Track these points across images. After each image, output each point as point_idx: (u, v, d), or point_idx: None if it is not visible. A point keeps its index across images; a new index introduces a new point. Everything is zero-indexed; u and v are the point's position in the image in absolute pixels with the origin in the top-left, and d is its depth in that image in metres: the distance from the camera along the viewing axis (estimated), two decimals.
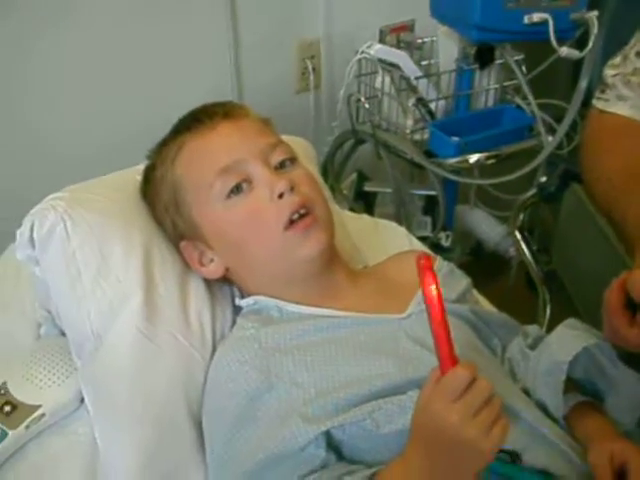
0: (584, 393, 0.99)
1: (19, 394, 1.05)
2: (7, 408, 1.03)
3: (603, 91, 1.21)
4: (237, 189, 1.01)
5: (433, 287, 0.76)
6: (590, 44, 1.60)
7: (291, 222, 0.99)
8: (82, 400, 1.07)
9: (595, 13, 1.63)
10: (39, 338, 1.17)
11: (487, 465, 0.77)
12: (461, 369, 0.75)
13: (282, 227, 0.99)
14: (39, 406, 1.04)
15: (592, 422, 0.96)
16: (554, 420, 0.95)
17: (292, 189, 1.00)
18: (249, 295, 1.08)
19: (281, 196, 0.99)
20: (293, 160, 1.07)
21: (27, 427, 1.02)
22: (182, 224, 1.07)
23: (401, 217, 1.94)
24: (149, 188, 1.11)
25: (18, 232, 1.05)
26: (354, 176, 2.12)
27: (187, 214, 1.06)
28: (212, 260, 1.07)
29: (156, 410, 1.00)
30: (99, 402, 1.03)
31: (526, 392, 1.00)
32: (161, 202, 1.08)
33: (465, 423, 0.74)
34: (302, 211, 1.00)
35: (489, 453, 0.75)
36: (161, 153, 1.09)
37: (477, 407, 0.74)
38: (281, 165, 1.05)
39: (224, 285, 1.13)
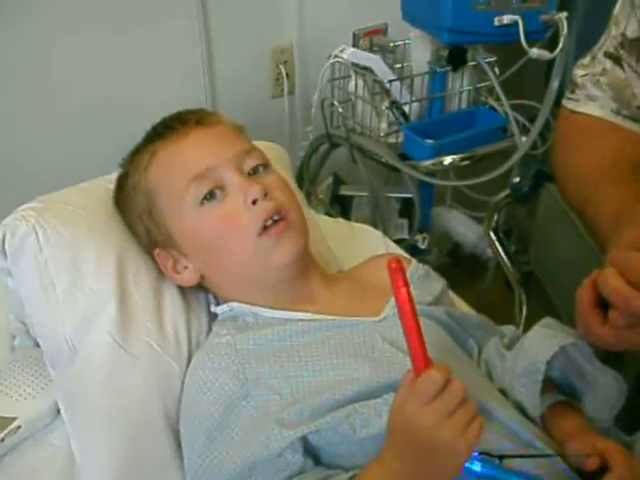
0: (561, 392, 0.99)
1: None
2: None
3: (573, 91, 1.22)
4: (210, 196, 1.01)
5: (404, 290, 0.77)
6: (560, 45, 1.61)
7: (265, 228, 0.99)
8: (58, 412, 1.07)
9: (564, 14, 1.64)
10: (13, 350, 1.17)
11: (473, 468, 0.78)
12: (434, 371, 0.76)
13: (256, 233, 0.99)
14: (14, 418, 1.04)
15: (570, 421, 0.97)
16: (531, 420, 0.95)
17: (266, 195, 1.00)
18: (224, 302, 1.08)
19: (254, 202, 0.99)
20: (266, 166, 1.07)
21: (2, 440, 1.02)
22: (156, 232, 1.06)
23: (377, 220, 1.94)
24: (122, 196, 1.10)
25: None
26: (330, 180, 2.12)
27: (161, 222, 1.05)
28: (186, 267, 1.07)
29: (132, 419, 1.00)
30: (74, 412, 1.02)
31: (503, 392, 1.00)
32: (135, 210, 1.08)
33: (439, 425, 0.75)
34: (276, 217, 1.00)
35: (465, 453, 0.76)
36: (134, 161, 1.09)
37: (451, 408, 0.75)
38: (254, 171, 1.05)
39: (199, 292, 1.13)
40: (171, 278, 1.08)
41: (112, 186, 1.14)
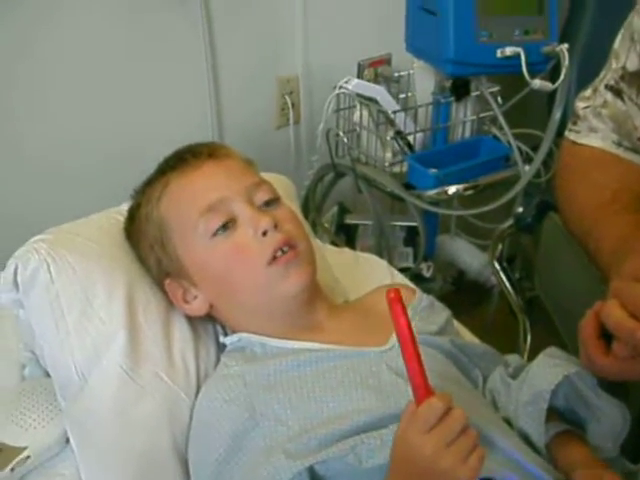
0: (565, 421, 0.99)
1: (4, 436, 1.05)
2: None
3: (575, 123, 1.23)
4: (223, 228, 1.02)
5: (403, 319, 0.78)
6: (562, 76, 1.63)
7: (274, 258, 1.01)
8: (67, 441, 1.07)
9: (565, 46, 1.66)
10: (23, 379, 1.17)
11: None
12: (435, 400, 0.77)
13: (265, 262, 1.00)
14: (24, 448, 1.04)
15: (576, 451, 0.97)
16: (536, 450, 0.95)
17: (275, 227, 1.02)
18: (233, 332, 1.09)
19: (265, 234, 1.01)
20: (276, 200, 1.08)
21: (12, 469, 1.02)
22: (167, 262, 1.08)
23: (382, 249, 1.95)
24: (134, 227, 1.12)
25: (1, 275, 1.06)
26: (335, 209, 2.13)
27: (172, 252, 1.06)
28: (196, 297, 1.08)
29: (141, 450, 1.01)
30: (84, 442, 1.03)
31: (508, 422, 1.00)
32: (146, 240, 1.09)
33: (440, 453, 0.76)
34: (285, 248, 1.02)
35: None
36: (146, 192, 1.10)
37: (452, 437, 0.76)
38: (266, 204, 1.06)
39: (207, 323, 1.14)
40: (180, 308, 1.09)
41: (122, 217, 1.16)
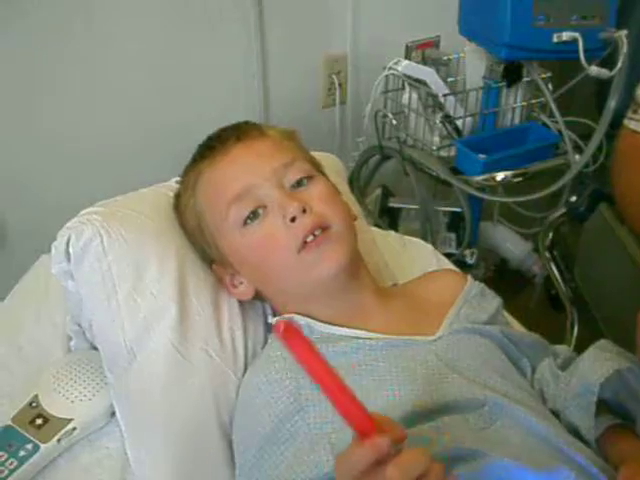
0: (614, 415, 0.97)
1: (51, 407, 1.06)
2: (39, 421, 1.04)
3: (636, 111, 1.21)
4: (253, 215, 1.01)
5: (303, 349, 0.64)
6: (619, 63, 1.59)
7: (305, 244, 0.98)
8: (112, 414, 1.08)
9: (624, 32, 1.62)
10: (69, 351, 1.18)
11: None
12: (362, 447, 0.65)
13: (295, 250, 0.98)
14: (70, 420, 1.05)
15: (626, 444, 0.94)
16: (585, 443, 0.93)
17: (304, 211, 0.98)
18: (281, 313, 1.08)
19: (293, 219, 0.98)
20: (311, 177, 1.05)
21: (59, 441, 1.03)
22: (209, 250, 1.08)
23: (426, 234, 1.93)
24: (178, 214, 1.12)
25: (53, 245, 1.06)
26: (378, 192, 2.12)
27: (211, 241, 1.06)
28: (242, 282, 1.08)
29: (188, 426, 1.01)
30: (131, 417, 1.04)
31: (555, 413, 0.99)
32: (188, 228, 1.10)
33: None
34: (317, 232, 0.98)
35: None
36: (184, 181, 1.11)
37: None
38: (298, 183, 1.03)
39: (256, 302, 1.13)
40: (229, 292, 1.09)
41: (170, 192, 1.16)
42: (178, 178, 1.15)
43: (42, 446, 1.01)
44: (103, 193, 1.15)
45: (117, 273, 1.04)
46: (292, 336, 0.64)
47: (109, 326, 1.04)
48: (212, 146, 1.07)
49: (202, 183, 1.06)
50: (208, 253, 1.08)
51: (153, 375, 1.01)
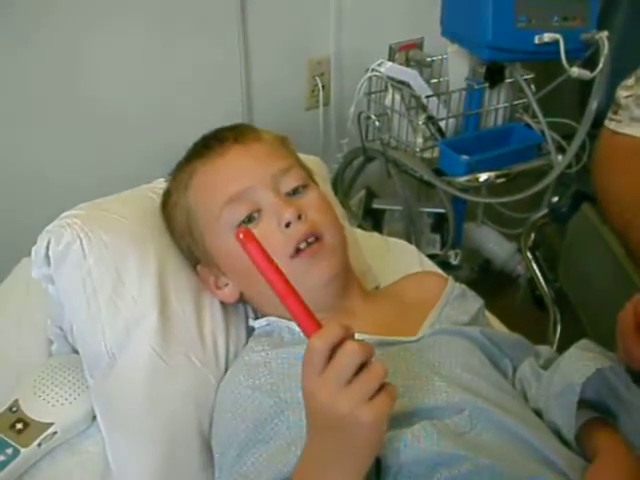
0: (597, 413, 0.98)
1: (31, 412, 1.05)
2: (19, 426, 1.03)
3: (616, 112, 1.21)
4: (248, 219, 1.01)
5: (252, 244, 0.74)
6: (601, 64, 1.60)
7: (298, 250, 0.99)
8: (94, 418, 1.07)
9: (605, 33, 1.63)
10: (50, 355, 1.17)
11: None
12: (318, 335, 0.70)
13: (288, 255, 0.98)
14: (51, 424, 1.04)
15: (603, 438, 0.93)
16: (566, 442, 0.93)
17: (299, 217, 0.99)
18: (264, 315, 1.08)
19: (288, 225, 0.98)
20: (306, 186, 1.06)
21: (39, 445, 1.02)
22: (196, 250, 1.07)
23: (410, 235, 1.94)
24: (166, 213, 1.11)
25: (33, 249, 1.05)
26: (362, 193, 2.12)
27: (200, 241, 1.06)
28: (227, 285, 1.08)
29: (168, 430, 1.00)
30: (111, 421, 1.03)
31: (537, 413, 0.99)
32: (176, 227, 1.09)
33: (335, 396, 0.69)
34: (310, 239, 0.99)
35: (370, 423, 0.70)
36: (175, 179, 1.10)
37: (346, 375, 0.69)
38: (294, 191, 1.04)
39: (239, 305, 1.13)
40: (213, 293, 1.09)
41: (153, 195, 1.16)
42: (161, 180, 1.15)
43: (22, 450, 1.00)
44: (85, 195, 1.14)
45: (97, 277, 1.03)
46: (250, 241, 0.73)
47: (90, 330, 1.03)
48: (209, 145, 1.07)
49: (196, 181, 1.06)
50: (194, 253, 1.08)
51: (133, 380, 1.01)
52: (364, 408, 0.69)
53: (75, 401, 1.07)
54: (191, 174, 1.06)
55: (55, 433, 1.04)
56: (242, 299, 1.10)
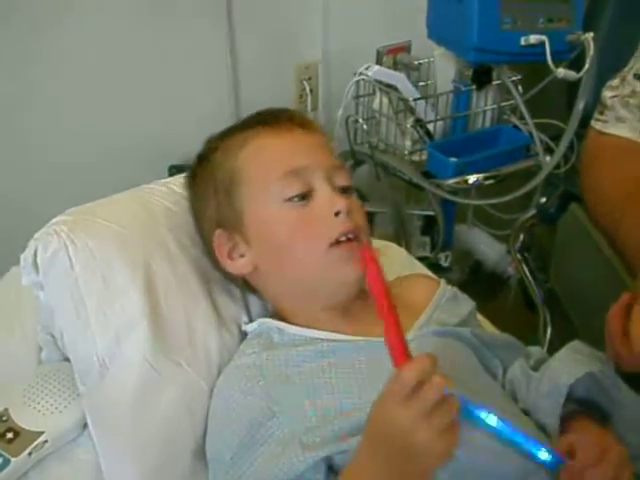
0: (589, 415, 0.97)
1: (21, 420, 1.04)
2: (9, 435, 1.02)
3: (602, 112, 1.22)
4: (302, 197, 1.02)
5: (375, 269, 0.76)
6: (587, 65, 1.61)
7: (338, 242, 1.00)
8: (84, 426, 1.07)
9: (591, 35, 1.64)
10: (40, 363, 1.17)
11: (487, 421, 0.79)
12: (410, 366, 0.72)
13: (329, 242, 1.00)
14: (42, 432, 1.03)
15: (586, 431, 0.94)
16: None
17: (348, 213, 1.01)
18: (270, 305, 1.11)
19: (337, 214, 1.00)
20: (351, 188, 1.08)
21: (30, 454, 1.01)
22: (227, 211, 1.06)
23: (400, 238, 1.94)
24: (201, 168, 1.11)
25: (22, 257, 1.04)
26: None
27: (237, 203, 1.05)
28: (243, 256, 1.07)
29: (160, 439, 1.00)
30: (103, 430, 1.02)
31: (527, 413, 0.99)
32: (212, 184, 1.08)
33: (416, 425, 0.72)
34: (351, 235, 1.00)
35: (444, 455, 0.73)
36: (227, 139, 1.10)
37: (429, 407, 0.71)
38: (344, 190, 1.05)
39: (232, 308, 1.13)
40: (222, 263, 1.08)
41: (143, 198, 1.16)
42: (152, 184, 1.16)
43: (13, 460, 0.99)
44: (73, 200, 1.13)
45: (85, 285, 1.02)
46: (374, 262, 0.77)
47: (80, 338, 1.02)
48: (278, 117, 1.09)
49: (256, 145, 1.06)
50: (222, 215, 1.07)
51: (124, 388, 1.00)
52: (441, 440, 0.72)
53: (65, 409, 1.06)
54: (253, 137, 1.07)
55: (46, 442, 1.03)
56: (247, 285, 1.11)
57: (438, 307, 1.09)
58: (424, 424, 0.71)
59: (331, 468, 0.89)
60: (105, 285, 1.03)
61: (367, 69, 1.84)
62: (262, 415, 0.93)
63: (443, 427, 0.72)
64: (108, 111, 1.87)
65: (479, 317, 1.23)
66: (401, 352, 0.74)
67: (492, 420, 0.83)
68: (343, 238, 1.00)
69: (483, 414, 0.83)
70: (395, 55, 2.07)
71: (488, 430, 0.84)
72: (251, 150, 1.06)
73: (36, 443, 1.02)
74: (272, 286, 1.08)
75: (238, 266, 1.07)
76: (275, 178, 1.02)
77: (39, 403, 1.06)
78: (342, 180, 1.06)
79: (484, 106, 1.89)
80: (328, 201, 1.01)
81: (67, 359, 1.09)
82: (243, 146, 1.06)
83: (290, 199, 1.01)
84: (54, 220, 1.07)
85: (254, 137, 1.07)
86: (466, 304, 1.14)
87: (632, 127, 1.17)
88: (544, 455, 0.85)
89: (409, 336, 1.01)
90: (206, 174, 1.10)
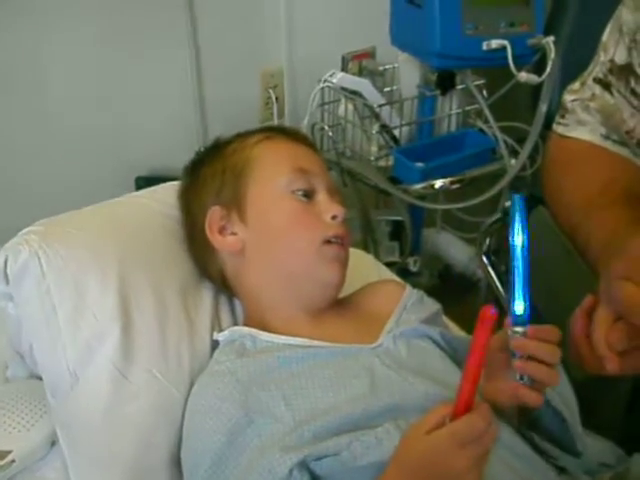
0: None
1: None
2: None
3: (563, 116, 1.22)
4: (305, 193, 1.08)
5: (484, 338, 0.75)
6: (548, 69, 1.63)
7: (329, 242, 1.06)
8: (52, 444, 1.06)
9: (552, 38, 1.66)
10: (6, 381, 1.16)
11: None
12: (478, 417, 0.75)
13: (322, 240, 1.05)
14: (9, 452, 1.02)
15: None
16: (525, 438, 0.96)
17: (342, 221, 1.08)
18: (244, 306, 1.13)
19: (334, 218, 1.07)
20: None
21: None
22: (230, 189, 1.10)
23: (368, 244, 1.95)
24: (214, 151, 1.16)
25: None
26: None
27: (243, 185, 1.09)
28: (234, 234, 1.09)
29: (134, 451, 0.99)
30: (74, 442, 1.02)
31: None
32: (222, 165, 1.12)
33: (469, 469, 0.75)
34: (340, 241, 1.07)
35: None
36: (244, 136, 1.16)
37: (482, 453, 0.76)
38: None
39: (205, 316, 1.13)
40: (212, 236, 1.09)
41: (114, 210, 1.18)
42: (122, 198, 1.18)
43: None
44: (43, 212, 1.13)
45: (56, 295, 1.01)
46: (487, 322, 0.74)
47: (50, 349, 1.01)
48: (293, 131, 1.22)
49: (271, 143, 1.14)
50: (225, 193, 1.10)
51: (95, 399, 0.99)
52: (476, 471, 0.76)
53: (33, 427, 1.06)
54: (268, 137, 1.14)
55: (13, 461, 1.02)
56: (224, 283, 1.13)
57: (405, 310, 1.10)
58: (462, 453, 0.75)
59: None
60: (77, 294, 1.03)
61: (332, 76, 1.84)
62: (239, 422, 0.93)
63: (479, 459, 0.76)
64: (72, 122, 1.86)
65: (447, 322, 1.24)
66: (470, 401, 0.76)
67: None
68: (334, 240, 1.06)
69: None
70: (360, 61, 2.08)
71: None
72: (267, 145, 1.13)
73: (3, 463, 1.02)
74: (255, 275, 1.09)
75: (227, 243, 1.09)
76: (286, 171, 1.08)
77: (6, 422, 1.06)
78: (337, 199, 1.12)
79: (449, 110, 1.91)
80: (328, 204, 1.08)
81: (34, 376, 1.08)
82: (259, 142, 1.13)
83: (295, 191, 1.07)
84: (25, 230, 1.06)
85: (270, 138, 1.15)
86: (432, 306, 1.16)
87: (593, 130, 1.17)
88: (519, 308, 0.91)
89: (380, 341, 1.02)
90: (217, 157, 1.14)
